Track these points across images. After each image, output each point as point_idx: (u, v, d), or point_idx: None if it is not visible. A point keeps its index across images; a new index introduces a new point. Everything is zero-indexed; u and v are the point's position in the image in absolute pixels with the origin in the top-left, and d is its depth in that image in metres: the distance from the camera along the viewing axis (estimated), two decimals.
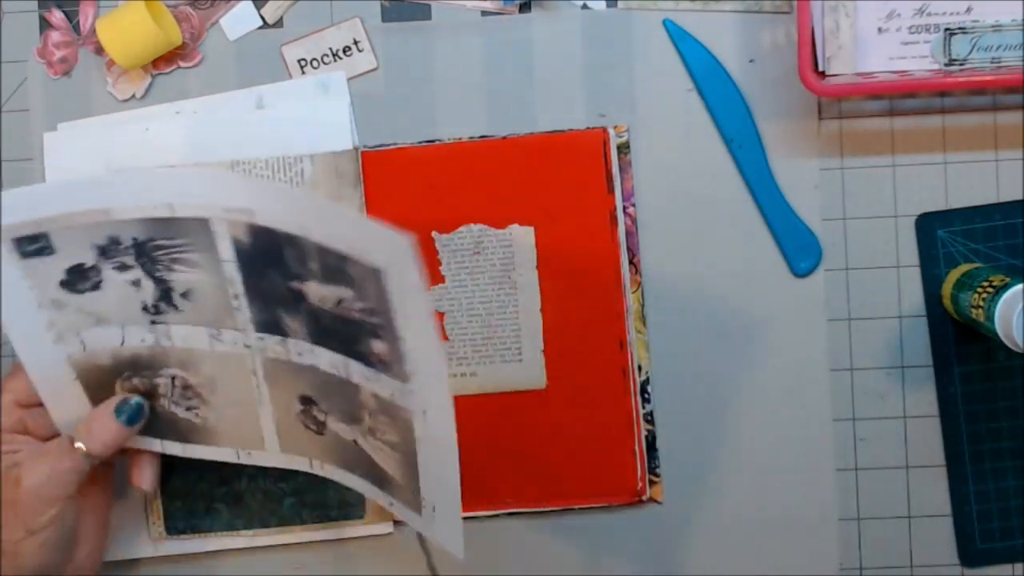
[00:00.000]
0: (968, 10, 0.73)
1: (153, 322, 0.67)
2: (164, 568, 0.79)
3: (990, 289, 0.69)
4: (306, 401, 0.68)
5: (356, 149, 0.76)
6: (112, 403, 0.69)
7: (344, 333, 0.63)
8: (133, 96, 0.78)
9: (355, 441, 0.68)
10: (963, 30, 0.73)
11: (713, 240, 0.77)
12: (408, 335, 0.60)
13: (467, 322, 0.76)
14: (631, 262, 0.77)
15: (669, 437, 0.78)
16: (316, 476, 0.76)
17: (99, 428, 0.68)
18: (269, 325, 0.65)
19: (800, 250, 0.77)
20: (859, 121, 0.77)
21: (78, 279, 0.65)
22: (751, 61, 0.77)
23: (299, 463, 0.71)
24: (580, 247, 0.76)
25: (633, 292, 0.77)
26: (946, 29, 0.73)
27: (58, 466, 0.67)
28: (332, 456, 0.70)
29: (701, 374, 0.78)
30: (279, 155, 0.76)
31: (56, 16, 0.78)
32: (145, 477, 0.72)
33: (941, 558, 0.78)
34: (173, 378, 0.69)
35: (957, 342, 0.77)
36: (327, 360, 0.65)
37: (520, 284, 0.76)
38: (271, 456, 0.71)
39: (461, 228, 0.76)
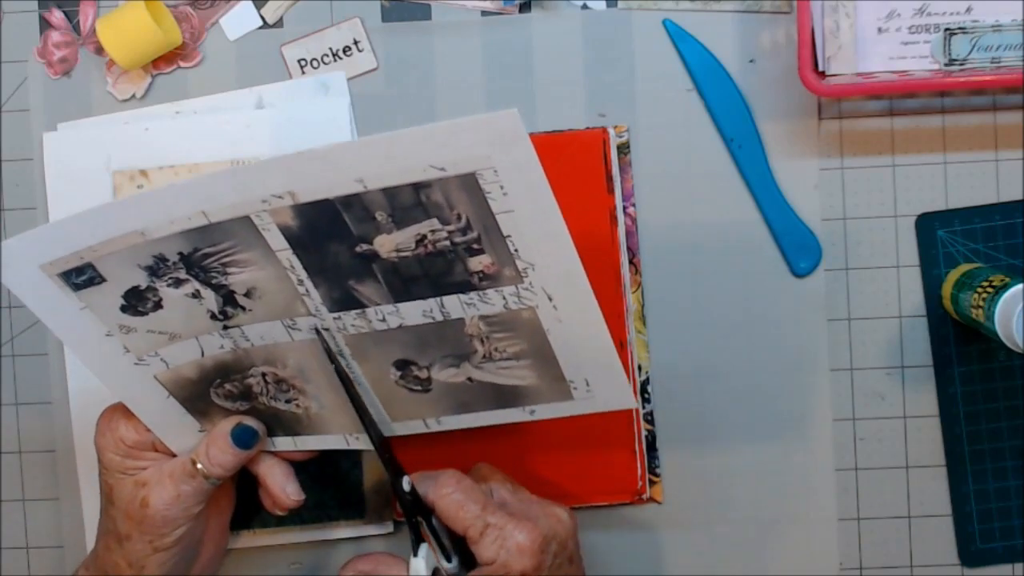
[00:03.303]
0: (968, 10, 0.73)
1: (225, 327, 0.65)
2: None
3: (990, 289, 0.69)
4: (402, 365, 0.66)
5: None
6: (227, 426, 0.68)
7: (432, 272, 0.61)
8: (133, 96, 0.78)
9: (469, 379, 0.66)
10: (963, 30, 0.73)
11: (713, 240, 0.77)
12: (517, 228, 0.58)
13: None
14: (631, 262, 0.77)
15: (669, 437, 0.78)
16: (316, 476, 0.76)
17: (216, 452, 0.67)
18: (343, 301, 0.63)
19: (800, 250, 0.77)
20: (859, 121, 0.77)
21: (137, 302, 0.64)
22: (751, 61, 0.77)
23: (414, 427, 0.69)
24: (580, 247, 0.76)
25: (633, 292, 0.77)
26: (946, 29, 0.73)
27: (183, 489, 0.67)
28: (445, 407, 0.68)
29: (701, 374, 0.78)
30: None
31: (56, 16, 0.78)
32: (289, 490, 0.70)
33: (941, 558, 0.78)
34: (264, 375, 0.68)
35: (957, 342, 0.77)
36: (416, 312, 0.63)
37: None
38: (383, 428, 0.69)
39: None
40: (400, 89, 0.77)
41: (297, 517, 0.78)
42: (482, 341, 0.64)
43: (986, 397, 0.77)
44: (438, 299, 0.62)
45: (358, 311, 0.64)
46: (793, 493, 0.78)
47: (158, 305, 0.64)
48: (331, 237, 0.61)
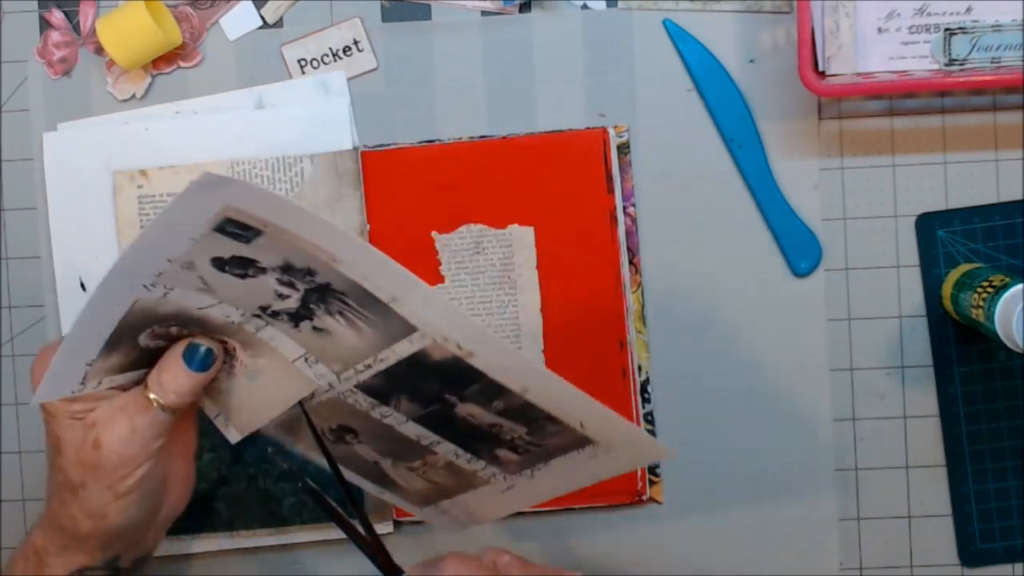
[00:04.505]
0: (968, 10, 0.73)
1: (257, 316, 0.61)
2: (164, 568, 0.78)
3: (990, 289, 0.69)
4: (344, 430, 0.66)
5: (356, 149, 0.76)
6: (179, 350, 0.62)
7: (470, 436, 0.62)
8: (133, 96, 0.78)
9: (377, 463, 0.67)
10: (963, 30, 0.73)
11: (713, 240, 0.77)
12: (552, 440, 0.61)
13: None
14: (631, 262, 0.77)
15: (669, 437, 0.78)
16: (316, 476, 0.75)
17: (169, 378, 0.61)
18: (378, 393, 0.62)
19: (800, 250, 0.77)
20: (859, 121, 0.77)
21: (235, 266, 0.58)
22: (751, 61, 0.77)
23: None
24: (580, 247, 0.76)
25: (633, 292, 0.77)
26: (946, 29, 0.73)
27: (137, 422, 0.61)
28: (343, 461, 0.68)
29: (701, 374, 0.78)
30: (279, 155, 0.76)
31: (56, 16, 0.78)
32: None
33: (941, 558, 0.78)
34: (225, 342, 0.63)
35: (957, 342, 0.77)
36: (415, 432, 0.63)
37: (520, 284, 0.76)
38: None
39: (461, 228, 0.76)
40: (400, 89, 0.77)
41: (297, 517, 0.78)
42: (427, 467, 0.66)
43: (986, 397, 0.77)
44: (440, 438, 0.64)
45: (376, 401, 0.63)
46: (793, 493, 0.78)
47: (242, 276, 0.58)
48: (442, 379, 0.60)
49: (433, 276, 0.76)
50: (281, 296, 0.60)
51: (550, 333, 0.76)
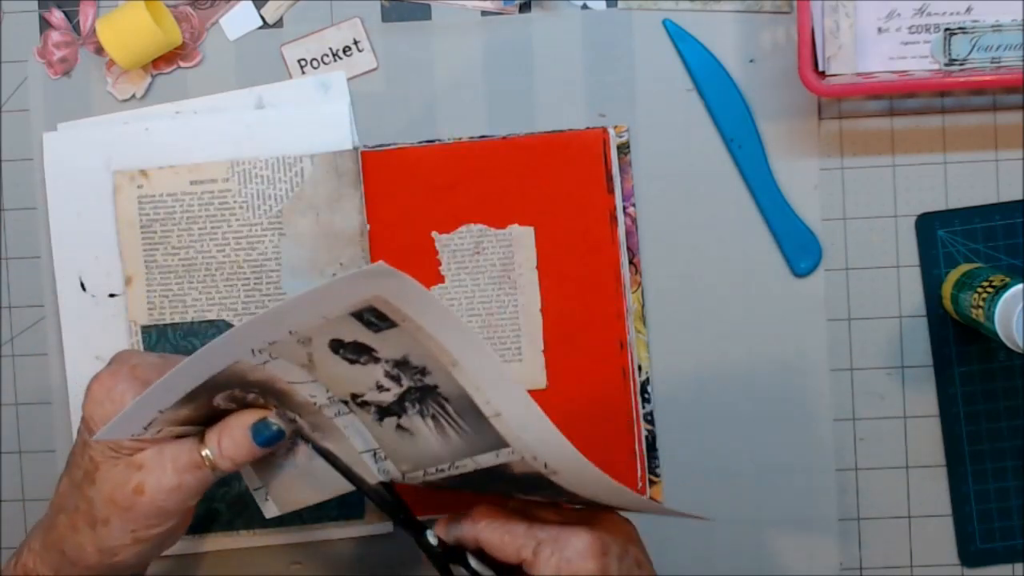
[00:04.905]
0: (968, 10, 0.73)
1: (343, 402, 0.61)
2: (164, 568, 0.79)
3: (990, 289, 0.69)
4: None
5: (356, 149, 0.76)
6: (248, 419, 0.61)
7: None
8: (133, 96, 0.78)
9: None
10: (963, 30, 0.73)
11: (713, 240, 0.77)
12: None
13: (467, 322, 0.76)
14: (631, 262, 0.77)
15: (669, 437, 0.78)
16: None
17: (230, 444, 0.60)
18: (442, 487, 0.63)
19: (800, 250, 0.77)
20: (859, 121, 0.77)
21: (351, 351, 0.57)
22: (751, 61, 0.77)
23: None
24: (580, 247, 0.76)
25: (633, 292, 0.77)
26: (946, 29, 0.73)
27: (185, 479, 0.60)
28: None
29: (701, 374, 0.78)
30: (279, 155, 0.76)
31: (56, 16, 0.78)
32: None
33: (941, 558, 0.78)
34: (294, 420, 0.63)
35: (957, 342, 0.77)
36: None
37: (520, 284, 0.76)
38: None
39: (461, 228, 0.76)
40: (400, 89, 0.77)
41: (297, 517, 0.78)
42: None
43: (986, 397, 0.77)
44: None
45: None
46: (793, 493, 0.78)
47: (352, 362, 0.58)
48: (510, 484, 0.61)
49: (433, 276, 0.76)
50: (381, 388, 0.59)
51: (550, 333, 0.76)
